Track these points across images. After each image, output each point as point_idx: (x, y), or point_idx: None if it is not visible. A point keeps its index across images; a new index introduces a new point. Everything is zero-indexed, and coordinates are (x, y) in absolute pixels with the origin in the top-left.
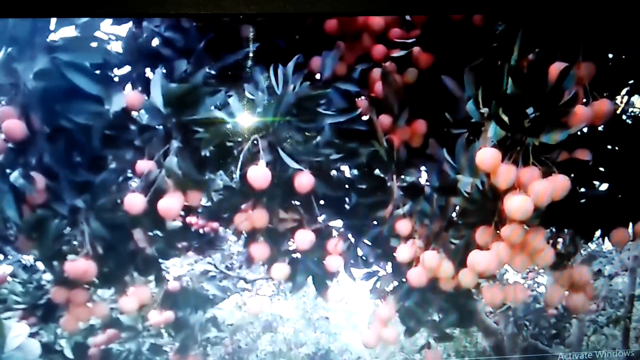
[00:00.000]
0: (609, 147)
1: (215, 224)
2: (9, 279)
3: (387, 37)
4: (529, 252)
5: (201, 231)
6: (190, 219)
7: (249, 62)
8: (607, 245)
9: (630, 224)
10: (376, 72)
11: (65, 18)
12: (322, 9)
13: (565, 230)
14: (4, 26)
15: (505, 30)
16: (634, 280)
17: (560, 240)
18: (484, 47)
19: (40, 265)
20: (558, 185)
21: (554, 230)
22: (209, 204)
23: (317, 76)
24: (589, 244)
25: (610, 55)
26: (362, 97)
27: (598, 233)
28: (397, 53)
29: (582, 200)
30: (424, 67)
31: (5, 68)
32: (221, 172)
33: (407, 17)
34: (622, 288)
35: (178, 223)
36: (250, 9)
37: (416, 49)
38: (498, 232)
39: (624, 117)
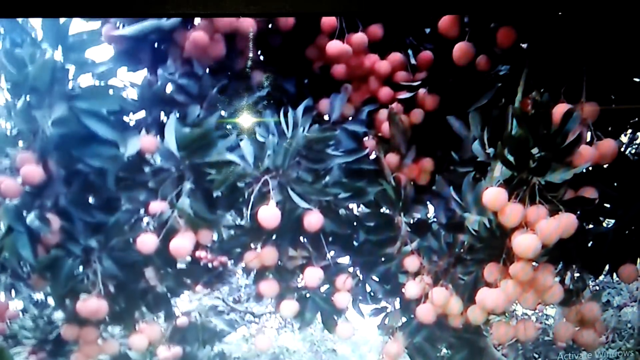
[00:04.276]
0: (615, 184)
1: (223, 258)
2: (20, 314)
3: (393, 80)
4: (538, 289)
5: (210, 265)
6: (199, 254)
7: (260, 106)
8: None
9: (639, 260)
10: (383, 113)
11: (66, 18)
12: (321, 9)
13: (574, 266)
14: (24, 77)
15: (510, 72)
16: None
17: (568, 276)
18: (489, 88)
19: (50, 300)
20: (565, 223)
21: (562, 266)
22: (220, 240)
23: (326, 117)
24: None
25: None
26: (370, 137)
27: (607, 268)
28: (403, 95)
29: (590, 237)
30: (429, 108)
31: (24, 115)
32: (232, 211)
33: (413, 61)
34: (631, 319)
35: (187, 258)
36: (249, 9)
37: (422, 91)
38: (507, 269)
39: (628, 154)
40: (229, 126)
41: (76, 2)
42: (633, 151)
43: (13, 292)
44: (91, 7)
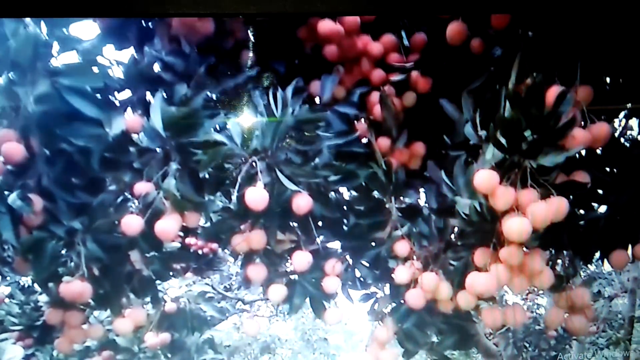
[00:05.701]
0: (607, 169)
1: (214, 245)
2: (6, 300)
3: (385, 61)
4: (528, 273)
5: (200, 252)
6: (190, 240)
7: (249, 86)
8: (607, 267)
9: (630, 246)
10: (375, 96)
11: (65, 18)
12: (320, 9)
13: (565, 252)
14: (6, 51)
15: (503, 54)
16: (634, 302)
17: (559, 262)
18: (482, 70)
19: (37, 286)
20: (556, 207)
21: (553, 252)
22: (208, 224)
23: (317, 99)
24: (589, 265)
25: (608, 79)
26: (361, 120)
27: (597, 255)
28: (395, 77)
29: (581, 222)
30: (422, 90)
31: (6, 92)
32: (219, 193)
33: (406, 42)
34: (622, 310)
35: (176, 244)
36: (249, 8)
37: (414, 73)
38: (497, 253)
39: (622, 139)
40: (216, 106)
41: (76, 2)
42: (627, 137)
43: None
44: (91, 7)
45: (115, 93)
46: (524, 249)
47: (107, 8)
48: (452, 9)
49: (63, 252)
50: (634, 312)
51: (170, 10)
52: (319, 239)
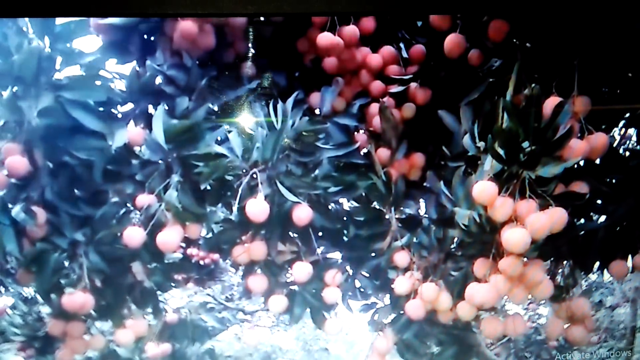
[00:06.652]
0: (606, 179)
1: (215, 256)
2: (9, 311)
3: (385, 73)
4: (528, 284)
5: (201, 263)
6: (191, 251)
7: (249, 98)
8: (608, 276)
9: (629, 256)
10: (374, 107)
11: (64, 18)
12: (319, 9)
13: (564, 262)
14: (10, 65)
15: (501, 66)
16: (636, 312)
17: (559, 272)
18: (480, 82)
19: (40, 297)
20: (555, 217)
21: (552, 262)
22: (209, 235)
23: (317, 111)
24: (589, 275)
25: (606, 89)
26: (361, 131)
27: (597, 265)
28: (394, 89)
29: (580, 233)
30: (421, 102)
31: (10, 106)
32: (220, 205)
33: (405, 54)
34: (624, 319)
35: (178, 255)
36: (247, 8)
37: (413, 85)
38: (496, 264)
39: (620, 149)
40: (217, 119)
41: (74, 2)
42: (626, 147)
43: (1, 288)
44: (89, 7)
45: (118, 106)
46: (524, 259)
47: (104, 8)
48: (450, 8)
49: (66, 263)
50: (636, 322)
51: (168, 11)
52: (319, 250)
